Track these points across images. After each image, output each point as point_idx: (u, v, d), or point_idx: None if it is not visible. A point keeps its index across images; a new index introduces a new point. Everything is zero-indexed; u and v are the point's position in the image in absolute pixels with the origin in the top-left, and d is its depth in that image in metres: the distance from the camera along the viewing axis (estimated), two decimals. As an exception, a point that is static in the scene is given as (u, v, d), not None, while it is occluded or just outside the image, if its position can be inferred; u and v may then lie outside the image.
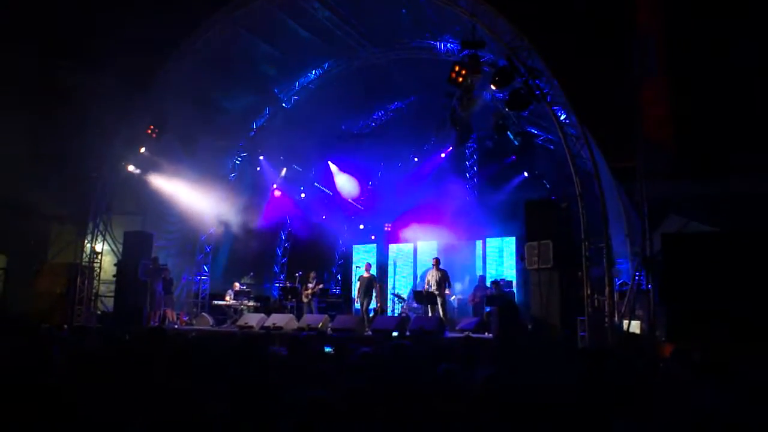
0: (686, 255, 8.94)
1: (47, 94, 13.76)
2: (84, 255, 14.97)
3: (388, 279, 18.07)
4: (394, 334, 11.11)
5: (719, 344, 7.52)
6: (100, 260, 15.22)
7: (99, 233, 15.17)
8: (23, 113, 13.44)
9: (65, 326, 13.39)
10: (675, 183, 9.88)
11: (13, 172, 13.43)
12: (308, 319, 13.33)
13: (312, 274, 15.70)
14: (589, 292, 10.00)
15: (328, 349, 6.11)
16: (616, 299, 9.88)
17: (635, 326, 9.89)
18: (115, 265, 14.87)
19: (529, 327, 11.22)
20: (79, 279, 14.47)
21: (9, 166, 13.16)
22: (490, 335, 11.55)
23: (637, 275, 9.76)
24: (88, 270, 14.82)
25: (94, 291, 14.96)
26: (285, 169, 17.89)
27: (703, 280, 8.54)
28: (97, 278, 15.12)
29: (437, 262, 14.15)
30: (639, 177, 9.74)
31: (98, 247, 15.19)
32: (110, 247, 15.37)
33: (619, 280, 10.38)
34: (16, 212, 14.78)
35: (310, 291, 15.30)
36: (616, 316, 9.78)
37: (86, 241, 15.05)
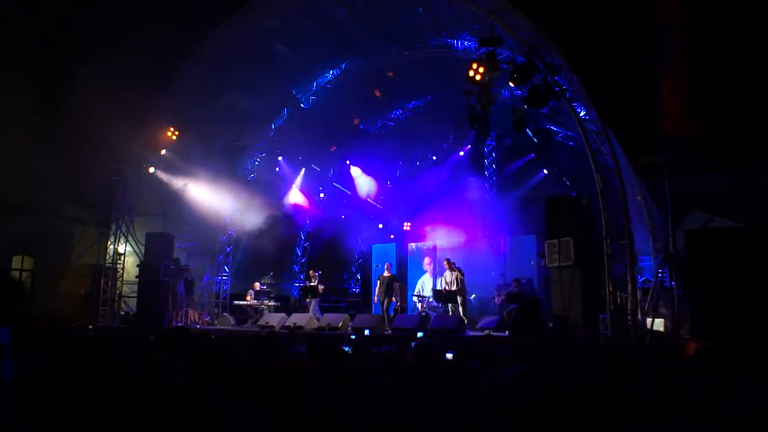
0: (710, 251, 8.78)
1: (68, 98, 13.95)
2: (107, 256, 15.17)
3: (408, 278, 18.04)
4: (419, 334, 11.09)
5: (746, 341, 7.39)
6: (123, 261, 15.43)
7: (122, 235, 15.37)
8: (44, 117, 13.65)
9: (90, 326, 13.62)
10: (697, 178, 9.73)
11: (36, 177, 13.64)
12: (328, 318, 13.37)
13: (312, 272, 15.65)
14: (611, 289, 9.89)
15: (346, 349, 6.12)
16: (639, 296, 9.76)
17: (659, 324, 9.76)
18: (137, 266, 15.06)
19: (551, 325, 11.14)
20: (102, 280, 14.68)
21: (32, 171, 13.37)
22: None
23: (660, 272, 9.63)
24: (111, 271, 15.02)
25: (117, 292, 15.16)
26: (303, 170, 17.97)
27: (728, 277, 8.39)
28: (120, 279, 15.33)
29: (449, 262, 13.99)
30: (661, 172, 9.61)
31: (121, 249, 15.40)
32: (133, 248, 15.57)
33: (641, 277, 10.25)
34: (41, 215, 15.01)
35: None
36: (639, 313, 9.66)
37: (109, 243, 15.26)
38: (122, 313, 15.28)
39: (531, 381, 2.48)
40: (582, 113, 10.75)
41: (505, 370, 2.87)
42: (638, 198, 10.96)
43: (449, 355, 5.55)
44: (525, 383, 2.46)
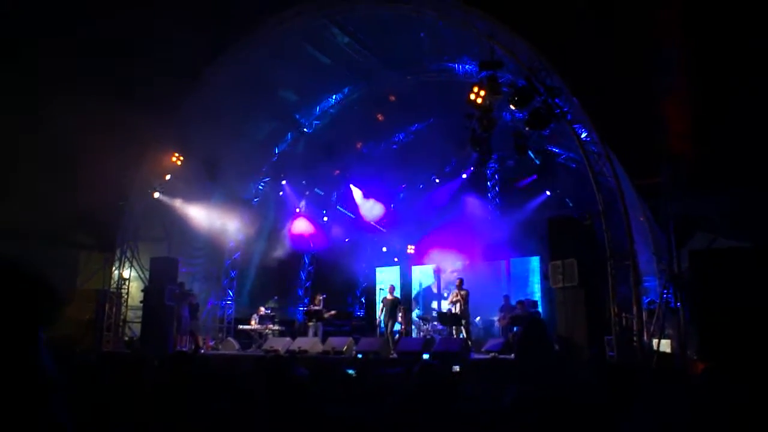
0: (716, 271, 8.75)
1: (72, 123, 14.10)
2: (112, 281, 15.19)
3: (412, 301, 18.00)
4: (425, 356, 11.03)
5: (753, 363, 7.32)
6: (128, 286, 15.44)
7: (126, 259, 15.40)
8: (49, 141, 13.76)
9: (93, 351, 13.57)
10: (700, 198, 9.75)
11: (41, 202, 13.72)
12: (333, 342, 13.30)
13: (318, 297, 15.62)
14: (616, 310, 9.85)
15: (350, 372, 6.11)
16: (644, 318, 9.71)
17: (665, 345, 9.69)
18: (142, 290, 15.06)
19: (556, 347, 11.06)
20: (107, 305, 14.68)
21: (36, 196, 13.45)
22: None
23: (665, 293, 9.60)
24: (115, 296, 15.03)
25: (121, 317, 15.15)
26: (304, 201, 18.10)
27: (734, 297, 8.34)
28: (125, 304, 15.33)
29: (461, 282, 14.05)
30: (663, 193, 9.63)
31: (125, 274, 15.42)
32: (137, 273, 15.59)
33: (647, 298, 10.21)
34: (46, 240, 15.07)
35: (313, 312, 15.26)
36: (645, 334, 9.60)
37: (114, 268, 15.29)
38: (126, 338, 15.24)
39: (532, 400, 2.48)
40: (583, 135, 10.81)
41: (507, 389, 2.88)
42: (641, 219, 10.96)
43: (456, 368, 5.54)
44: (526, 402, 2.46)
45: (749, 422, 2.95)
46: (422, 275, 18.42)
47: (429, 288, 18.18)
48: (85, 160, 13.83)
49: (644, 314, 9.77)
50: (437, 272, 17.77)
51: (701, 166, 9.40)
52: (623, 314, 9.86)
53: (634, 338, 9.62)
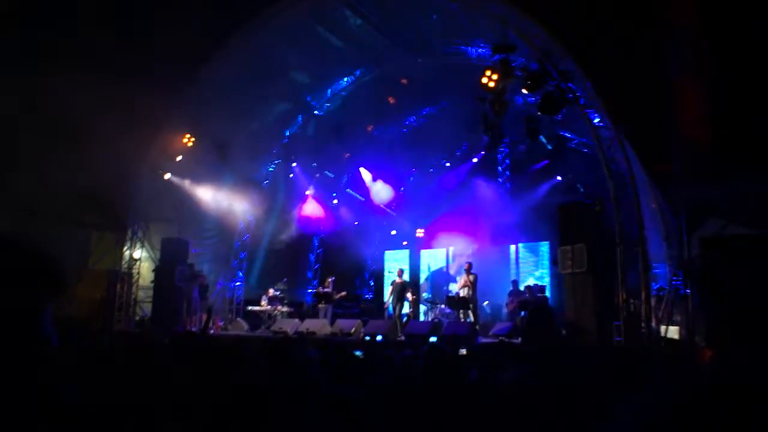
0: (726, 258, 8.70)
1: (84, 103, 14.13)
2: (123, 262, 15.34)
3: (420, 285, 18.06)
4: (432, 339, 11.09)
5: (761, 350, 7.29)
6: (139, 267, 15.58)
7: (137, 240, 15.53)
8: (60, 125, 13.81)
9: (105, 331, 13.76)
10: (712, 185, 9.64)
11: (53, 183, 13.81)
12: (341, 324, 13.40)
13: (328, 280, 15.70)
14: (624, 296, 9.83)
15: (358, 353, 6.16)
16: (653, 304, 9.69)
17: (673, 332, 9.67)
18: (153, 271, 15.20)
19: (563, 332, 11.08)
20: (118, 285, 14.83)
21: (48, 176, 13.53)
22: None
23: (674, 279, 9.56)
24: (127, 276, 15.18)
25: (132, 297, 15.31)
26: (314, 184, 18.12)
27: (744, 284, 8.29)
28: (136, 284, 15.48)
29: (469, 266, 14.06)
30: (675, 179, 9.54)
31: (136, 254, 15.55)
32: (148, 253, 15.73)
33: (656, 285, 10.17)
34: (57, 221, 15.19)
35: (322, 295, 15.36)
36: (653, 321, 9.59)
37: (125, 248, 15.43)
38: (137, 318, 15.42)
39: (531, 384, 2.49)
40: (596, 120, 10.72)
41: (508, 370, 2.89)
42: (653, 205, 10.88)
43: (463, 351, 5.57)
44: (528, 382, 2.47)
45: (754, 409, 2.95)
46: (431, 258, 18.45)
47: (438, 271, 18.23)
48: (96, 139, 13.90)
49: (653, 300, 9.75)
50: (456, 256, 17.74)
51: (715, 153, 9.29)
52: (631, 300, 9.85)
53: (642, 324, 9.61)
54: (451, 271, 17.75)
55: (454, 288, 16.68)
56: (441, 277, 17.99)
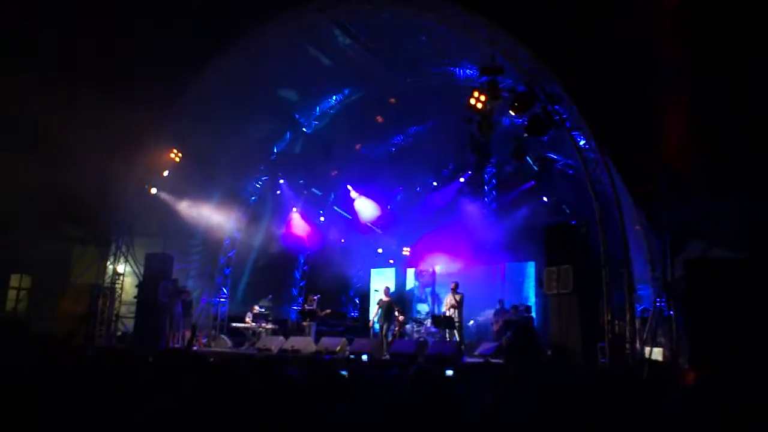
0: (710, 281, 8.78)
1: (69, 117, 14.06)
2: (106, 276, 15.16)
3: (407, 303, 18.01)
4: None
5: (744, 373, 7.35)
6: (122, 282, 15.41)
7: (121, 255, 15.37)
8: (46, 138, 13.71)
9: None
10: (696, 208, 9.78)
11: (35, 195, 13.68)
12: (326, 342, 13.31)
13: (312, 297, 15.62)
14: (609, 317, 9.88)
15: (343, 373, 6.11)
16: (637, 325, 9.75)
17: (658, 353, 9.73)
18: (136, 286, 15.03)
19: (548, 352, 11.07)
20: (101, 300, 14.65)
21: (31, 189, 13.40)
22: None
23: (658, 301, 9.63)
24: (109, 291, 14.99)
25: (115, 312, 15.11)
26: (301, 201, 18.11)
27: (728, 307, 8.37)
28: (119, 299, 15.30)
29: (456, 285, 14.09)
30: (660, 202, 9.66)
31: (120, 269, 15.39)
32: (132, 268, 15.56)
33: (640, 306, 10.24)
34: (40, 234, 15.03)
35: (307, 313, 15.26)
36: (637, 342, 9.64)
37: (108, 263, 15.26)
38: (119, 333, 15.21)
39: (508, 409, 2.49)
40: (582, 142, 10.86)
41: (489, 392, 2.89)
42: (637, 227, 11.00)
43: (450, 372, 5.55)
44: (509, 404, 2.47)
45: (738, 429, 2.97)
46: (420, 277, 18.44)
47: (423, 290, 18.21)
48: (81, 153, 13.81)
49: (638, 322, 9.81)
50: (419, 275, 17.86)
51: (698, 176, 9.43)
52: (616, 321, 9.90)
53: (627, 346, 9.66)
54: (432, 291, 17.76)
55: (422, 308, 16.81)
56: (426, 297, 17.96)
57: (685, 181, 9.35)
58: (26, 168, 12.97)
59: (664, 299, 9.52)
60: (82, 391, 3.96)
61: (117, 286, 15.28)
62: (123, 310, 15.47)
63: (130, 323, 15.37)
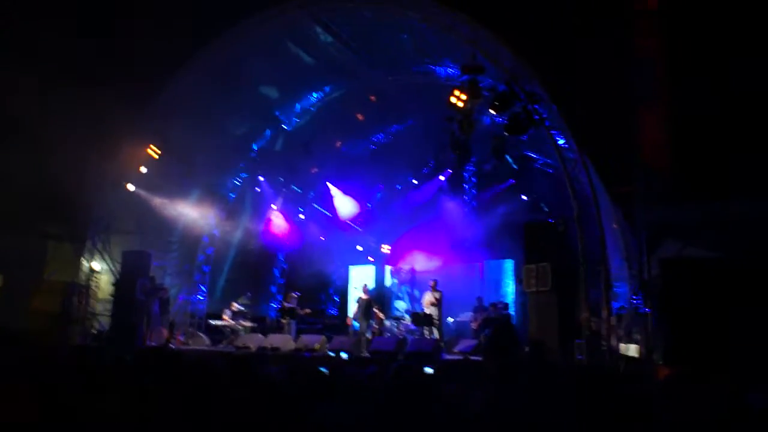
0: (685, 280, 8.93)
1: (46, 112, 13.84)
2: (81, 274, 14.93)
3: (386, 301, 18.03)
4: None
5: (716, 369, 7.50)
6: (98, 279, 15.19)
7: (97, 252, 15.15)
8: (22, 131, 13.48)
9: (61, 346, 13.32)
10: (673, 207, 9.94)
11: (10, 190, 13.43)
12: (305, 339, 13.28)
13: (291, 295, 15.55)
14: (586, 314, 10.01)
15: (323, 370, 6.10)
16: (613, 322, 9.89)
17: (633, 349, 9.88)
18: (112, 284, 14.83)
19: (526, 349, 11.18)
20: (76, 298, 14.42)
21: (6, 184, 13.16)
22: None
23: (634, 298, 9.78)
24: (85, 289, 14.77)
25: (90, 310, 14.89)
26: (281, 198, 18.03)
27: (701, 305, 8.53)
28: (94, 297, 15.07)
29: (435, 283, 14.16)
30: (637, 201, 9.81)
31: (96, 266, 15.17)
32: (108, 265, 15.34)
33: (617, 303, 10.39)
34: (13, 230, 14.74)
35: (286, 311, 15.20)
36: (613, 339, 9.78)
37: (84, 260, 15.03)
38: (94, 332, 14.99)
39: (501, 404, 2.52)
40: (561, 141, 10.96)
41: (475, 394, 2.92)
42: (614, 225, 11.15)
43: (429, 370, 5.56)
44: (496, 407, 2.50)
45: (709, 426, 3.03)
46: (397, 275, 18.47)
47: (403, 288, 18.25)
48: (57, 149, 13.59)
49: (614, 319, 9.94)
50: (396, 272, 17.96)
51: (674, 176, 9.59)
52: (593, 318, 10.03)
53: (603, 342, 9.79)
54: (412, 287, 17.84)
55: (401, 305, 16.88)
56: (407, 294, 18.02)
57: (662, 181, 9.50)
58: (0, 163, 12.74)
59: (640, 297, 9.68)
60: (58, 390, 3.90)
61: (92, 283, 15.05)
62: (99, 308, 15.25)
63: (105, 321, 15.16)
